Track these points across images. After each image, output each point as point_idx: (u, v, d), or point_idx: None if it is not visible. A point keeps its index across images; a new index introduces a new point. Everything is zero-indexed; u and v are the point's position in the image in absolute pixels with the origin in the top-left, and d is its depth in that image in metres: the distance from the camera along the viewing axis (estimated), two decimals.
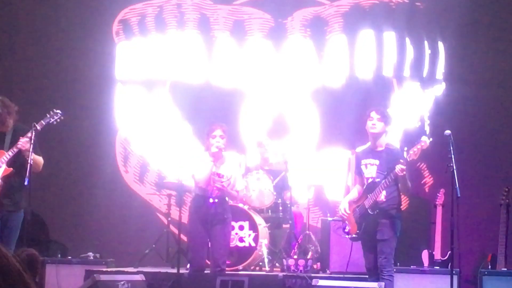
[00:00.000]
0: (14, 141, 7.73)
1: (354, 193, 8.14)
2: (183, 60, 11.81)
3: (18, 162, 7.72)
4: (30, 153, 7.55)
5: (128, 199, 11.73)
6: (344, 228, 8.10)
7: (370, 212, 7.75)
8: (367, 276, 8.12)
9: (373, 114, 7.92)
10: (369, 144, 8.08)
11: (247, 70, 11.73)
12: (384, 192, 7.74)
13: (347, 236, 8.10)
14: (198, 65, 11.79)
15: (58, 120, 7.93)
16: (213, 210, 8.53)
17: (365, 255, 8.01)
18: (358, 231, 7.90)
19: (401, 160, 7.60)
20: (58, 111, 7.93)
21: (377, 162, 7.85)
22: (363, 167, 7.95)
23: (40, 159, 7.85)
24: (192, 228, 8.65)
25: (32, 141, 7.62)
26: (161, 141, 11.77)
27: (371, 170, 7.88)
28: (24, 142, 7.63)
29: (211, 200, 8.49)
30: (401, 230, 7.97)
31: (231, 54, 11.76)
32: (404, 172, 7.57)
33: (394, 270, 8.14)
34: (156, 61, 11.89)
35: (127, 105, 11.97)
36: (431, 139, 10.87)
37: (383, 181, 7.68)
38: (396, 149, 8.12)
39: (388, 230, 7.79)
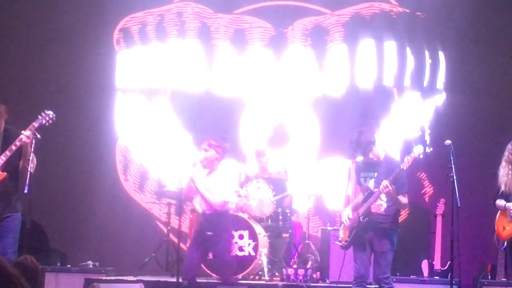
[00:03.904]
0: (5, 144, 7.50)
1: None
2: (184, 69, 11.81)
3: (11, 165, 7.52)
4: (30, 160, 7.37)
5: (128, 207, 11.72)
6: (338, 235, 8.04)
7: (361, 219, 7.70)
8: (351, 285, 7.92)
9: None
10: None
11: (248, 79, 11.73)
12: (384, 205, 7.68)
13: (338, 243, 8.03)
14: (198, 73, 11.79)
15: (50, 121, 7.62)
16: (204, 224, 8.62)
17: (354, 263, 7.81)
18: (347, 239, 7.82)
19: (390, 176, 7.50)
20: (50, 112, 7.64)
21: (374, 174, 7.75)
22: (362, 179, 7.84)
23: (34, 159, 7.53)
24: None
25: (32, 148, 7.49)
26: (161, 149, 11.76)
27: (369, 182, 7.77)
28: (28, 135, 7.36)
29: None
30: (400, 241, 7.91)
31: (232, 63, 11.76)
32: (388, 189, 7.45)
33: (394, 280, 8.08)
34: (156, 70, 11.89)
35: (127, 114, 11.97)
36: (431, 149, 10.93)
37: (376, 190, 7.62)
38: (394, 160, 8.06)
39: (384, 243, 7.69)
